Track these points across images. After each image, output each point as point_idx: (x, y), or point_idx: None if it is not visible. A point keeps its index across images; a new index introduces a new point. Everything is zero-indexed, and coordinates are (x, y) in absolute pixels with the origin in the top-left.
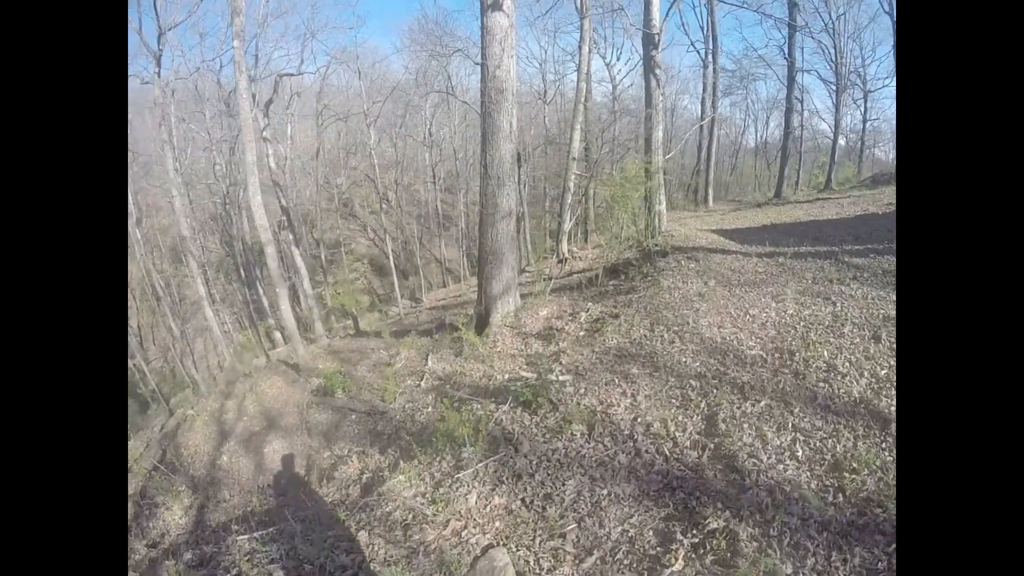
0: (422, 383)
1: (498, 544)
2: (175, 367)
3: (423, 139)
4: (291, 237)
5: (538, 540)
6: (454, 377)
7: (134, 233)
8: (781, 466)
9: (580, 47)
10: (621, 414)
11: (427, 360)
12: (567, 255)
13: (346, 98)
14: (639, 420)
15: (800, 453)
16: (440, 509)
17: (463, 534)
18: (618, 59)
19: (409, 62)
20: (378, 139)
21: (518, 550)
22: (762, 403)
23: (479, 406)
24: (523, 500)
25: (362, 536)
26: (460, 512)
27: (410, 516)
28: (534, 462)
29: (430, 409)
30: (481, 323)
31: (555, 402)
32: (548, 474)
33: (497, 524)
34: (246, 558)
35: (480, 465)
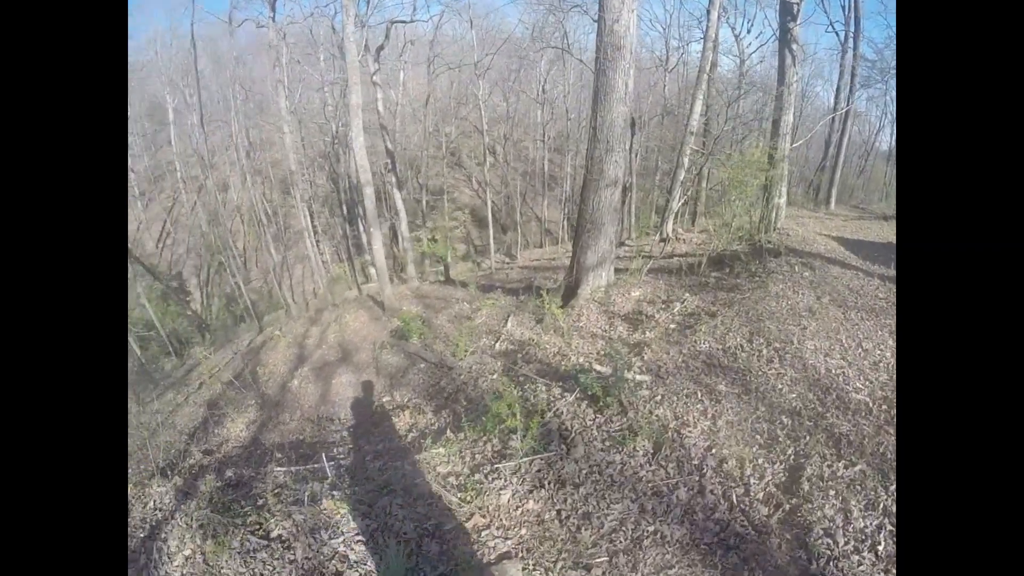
0: (496, 345)
1: (516, 556)
2: (272, 289)
3: (536, 96)
4: (394, 179)
5: (560, 564)
6: (528, 347)
7: (244, 163)
8: (856, 557)
9: (708, 12)
10: (695, 438)
11: (507, 321)
12: (671, 235)
13: (459, 49)
14: (713, 451)
15: (882, 547)
16: (469, 499)
17: (483, 533)
18: (748, 31)
19: (524, 15)
20: (489, 91)
21: (534, 569)
22: (857, 467)
23: (543, 388)
24: (559, 512)
25: (383, 501)
26: (488, 508)
27: (436, 498)
28: (584, 471)
29: (495, 377)
30: (568, 293)
31: (625, 405)
32: (595, 489)
33: (523, 532)
34: (275, 492)
35: (525, 459)
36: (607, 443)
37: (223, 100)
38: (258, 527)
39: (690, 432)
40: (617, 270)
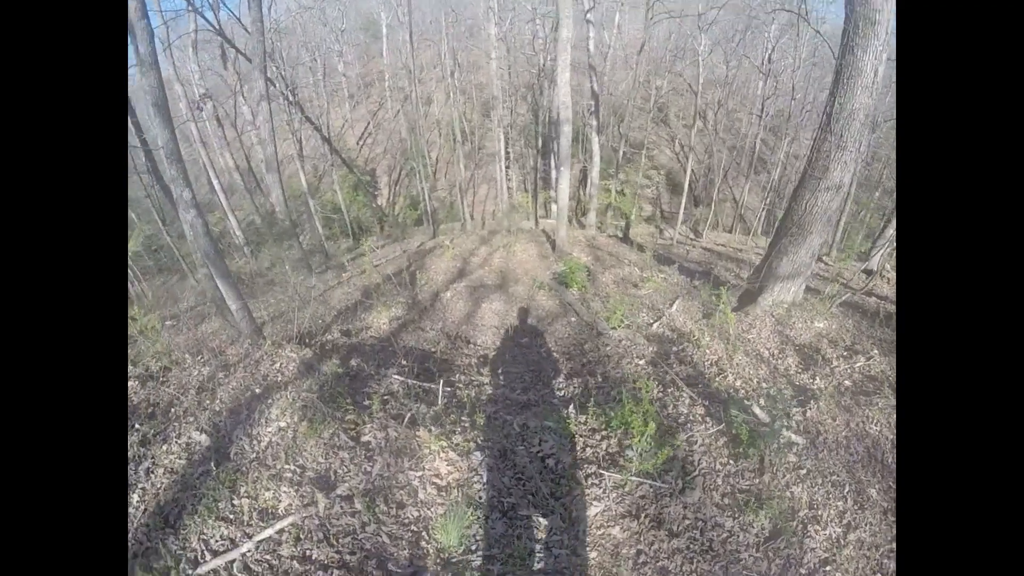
0: (654, 325)
1: None
2: (455, 202)
3: (759, 64)
4: (595, 123)
5: None
6: (686, 342)
7: (449, 82)
8: None
9: None
10: (817, 542)
11: (673, 304)
12: (877, 270)
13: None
14: (827, 570)
15: None
16: (560, 493)
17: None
18: None
19: None
20: (710, 50)
21: None
22: None
23: (687, 402)
24: (638, 554)
25: (477, 456)
26: (570, 513)
27: (527, 478)
28: (687, 523)
29: (641, 364)
30: (747, 297)
31: (766, 465)
32: (688, 547)
33: (592, 555)
34: (384, 398)
35: (634, 479)
36: (726, 500)
37: (434, 21)
38: (353, 427)
39: (816, 533)
40: (807, 288)
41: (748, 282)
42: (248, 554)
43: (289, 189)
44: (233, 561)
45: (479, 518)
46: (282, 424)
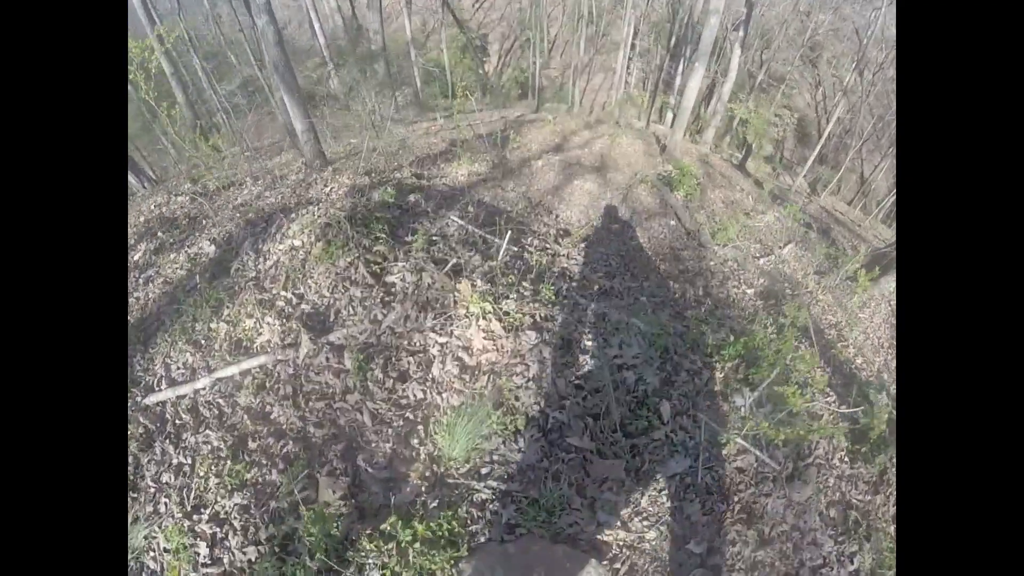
0: (761, 261)
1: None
2: (565, 84)
3: None
4: (741, 36)
5: None
6: (800, 290)
7: None
8: None
9: None
10: None
11: (785, 247)
12: None
13: None
14: None
15: None
16: (619, 440)
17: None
18: None
19: None
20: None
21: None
22: None
23: (806, 359)
24: (711, 552)
25: (530, 336)
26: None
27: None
28: (784, 529)
29: (749, 293)
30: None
31: (884, 479)
32: (772, 567)
33: (651, 535)
34: (432, 239)
35: (739, 441)
36: (832, 513)
37: None
38: (379, 262)
39: None
40: None
41: (866, 256)
42: (202, 392)
43: (392, 43)
44: (183, 397)
45: (507, 430)
46: (297, 243)
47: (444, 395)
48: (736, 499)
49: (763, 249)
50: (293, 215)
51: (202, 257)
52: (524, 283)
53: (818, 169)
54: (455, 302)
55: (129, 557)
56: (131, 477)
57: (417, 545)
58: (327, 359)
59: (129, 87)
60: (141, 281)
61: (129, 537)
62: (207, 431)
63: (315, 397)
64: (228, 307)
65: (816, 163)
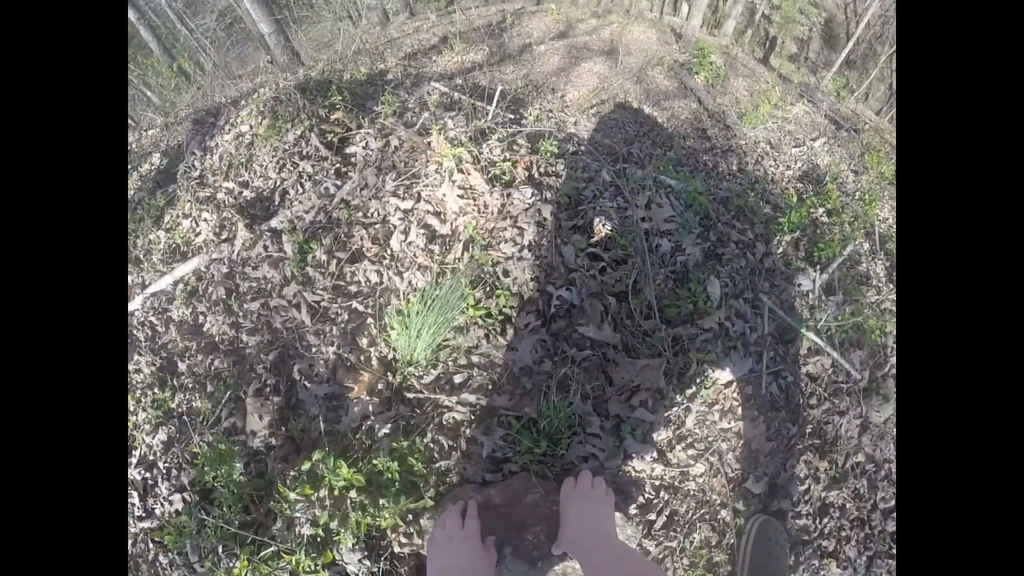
0: (793, 150)
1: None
2: None
3: None
4: None
5: None
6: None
7: None
8: None
9: None
10: None
11: (816, 140)
12: None
13: None
14: None
15: None
16: (655, 331)
17: None
18: None
19: None
20: None
21: None
22: None
23: (866, 248)
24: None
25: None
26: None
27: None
28: (862, 460)
29: (788, 174)
30: None
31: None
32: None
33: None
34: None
35: (811, 336)
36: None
37: None
38: (339, 131)
39: None
40: None
41: None
42: (136, 314)
43: None
44: None
45: (490, 318)
46: (244, 128)
47: (405, 275)
48: (808, 418)
49: (795, 140)
50: (243, 102)
51: (152, 171)
52: (520, 141)
53: (846, 74)
54: (427, 158)
55: None
56: None
57: (354, 493)
58: (265, 248)
59: None
60: None
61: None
62: (138, 356)
63: (250, 297)
64: (169, 213)
65: (843, 67)
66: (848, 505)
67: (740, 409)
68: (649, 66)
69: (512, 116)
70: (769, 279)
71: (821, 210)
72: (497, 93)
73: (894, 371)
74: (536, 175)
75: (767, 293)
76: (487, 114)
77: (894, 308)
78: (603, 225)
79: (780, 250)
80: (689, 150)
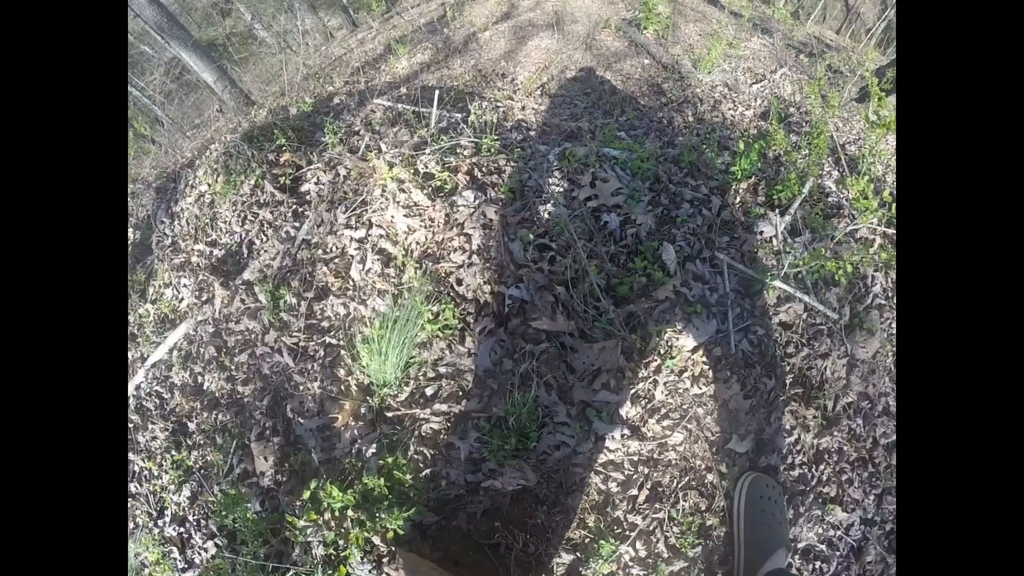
0: (754, 87)
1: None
2: None
3: None
4: None
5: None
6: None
7: None
8: None
9: None
10: None
11: (777, 72)
12: None
13: None
14: None
15: None
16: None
17: None
18: None
19: None
20: None
21: None
22: None
23: (834, 177)
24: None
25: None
26: None
27: None
28: (845, 406)
29: (748, 115)
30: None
31: None
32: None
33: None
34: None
35: (778, 284)
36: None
37: None
38: (290, 171)
39: None
40: None
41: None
42: (141, 387)
43: None
44: (128, 399)
45: (448, 328)
46: (203, 188)
47: (368, 302)
48: (787, 368)
49: (754, 76)
50: (197, 162)
51: (129, 246)
52: (463, 142)
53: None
54: (373, 184)
55: None
56: None
57: (351, 512)
58: (242, 302)
59: None
60: None
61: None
62: (152, 425)
63: (238, 350)
64: (152, 285)
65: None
66: (845, 448)
67: (711, 372)
68: (596, 30)
69: (460, 115)
70: (729, 232)
71: (772, 150)
72: (435, 98)
73: (877, 302)
74: (479, 176)
75: (725, 249)
76: (431, 120)
77: (872, 236)
78: (547, 214)
79: (738, 200)
80: (643, 110)
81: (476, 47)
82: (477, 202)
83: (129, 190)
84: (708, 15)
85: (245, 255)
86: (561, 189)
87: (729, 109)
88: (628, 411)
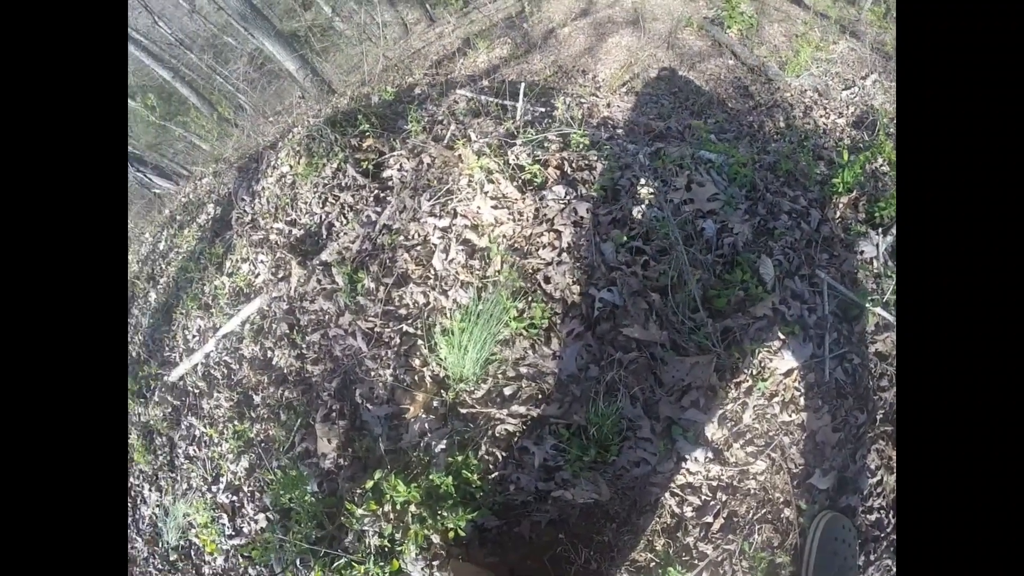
0: (843, 93)
1: None
2: None
3: None
4: None
5: None
6: None
7: None
8: None
9: None
10: None
11: (867, 78)
12: None
13: None
14: None
15: None
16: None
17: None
18: None
19: None
20: None
21: None
22: None
23: None
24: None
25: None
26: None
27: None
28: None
29: (840, 123)
30: None
31: None
32: None
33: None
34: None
35: (878, 311)
36: None
37: None
38: (373, 157)
39: None
40: None
41: None
42: (211, 355)
43: None
44: (196, 366)
45: (534, 327)
46: (285, 168)
47: (450, 293)
48: (878, 402)
49: (843, 81)
50: (280, 144)
51: (209, 221)
52: (550, 136)
53: (885, 1)
54: (459, 174)
55: (175, 537)
56: (168, 456)
57: (413, 507)
58: (319, 282)
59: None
60: (163, 266)
61: (171, 517)
62: (217, 393)
63: (311, 329)
64: (229, 259)
65: None
66: None
67: (803, 399)
68: (678, 29)
69: (543, 109)
70: (828, 250)
71: (880, 160)
72: (521, 91)
73: None
74: (569, 171)
75: (825, 268)
76: (516, 113)
77: None
78: (641, 216)
79: (837, 215)
80: (731, 113)
81: (555, 43)
82: (568, 198)
83: (212, 169)
84: (793, 15)
85: (324, 236)
86: (653, 190)
87: (821, 116)
88: (714, 433)
